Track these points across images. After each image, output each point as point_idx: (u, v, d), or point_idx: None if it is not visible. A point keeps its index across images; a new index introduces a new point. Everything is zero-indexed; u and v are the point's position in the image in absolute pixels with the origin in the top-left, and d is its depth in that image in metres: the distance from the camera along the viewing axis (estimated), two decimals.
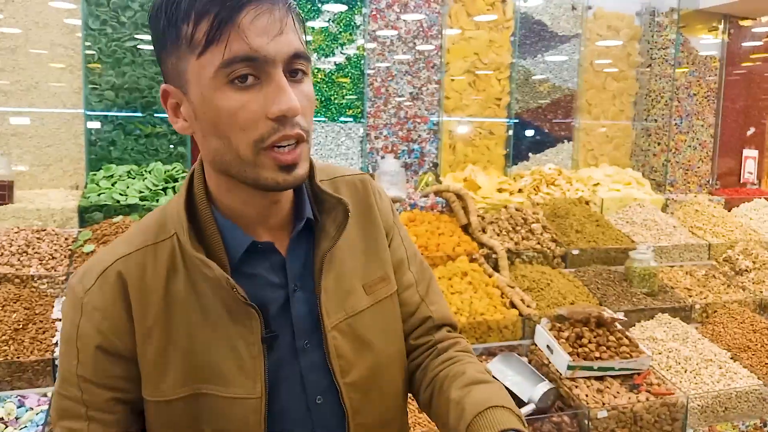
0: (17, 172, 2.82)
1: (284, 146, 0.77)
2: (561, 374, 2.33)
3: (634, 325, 2.75)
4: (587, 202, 3.44)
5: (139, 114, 3.03)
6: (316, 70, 3.36)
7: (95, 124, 2.98)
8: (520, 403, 2.17)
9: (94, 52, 2.95)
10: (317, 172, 0.95)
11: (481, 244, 2.96)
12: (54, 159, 2.95)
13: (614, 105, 4.00)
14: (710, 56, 4.12)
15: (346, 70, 3.40)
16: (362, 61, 3.42)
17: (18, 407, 1.90)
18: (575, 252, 3.07)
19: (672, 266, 3.23)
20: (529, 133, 3.83)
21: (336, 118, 3.41)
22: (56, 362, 1.98)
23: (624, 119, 4.02)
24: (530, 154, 3.85)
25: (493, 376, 2.25)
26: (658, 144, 3.98)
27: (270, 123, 0.75)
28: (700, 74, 4.05)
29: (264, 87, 0.75)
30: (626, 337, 2.46)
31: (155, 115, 3.05)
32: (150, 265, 0.86)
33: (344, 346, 0.91)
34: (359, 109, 3.44)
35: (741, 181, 4.17)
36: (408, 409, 1.20)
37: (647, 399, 2.25)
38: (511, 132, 3.73)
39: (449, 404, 0.90)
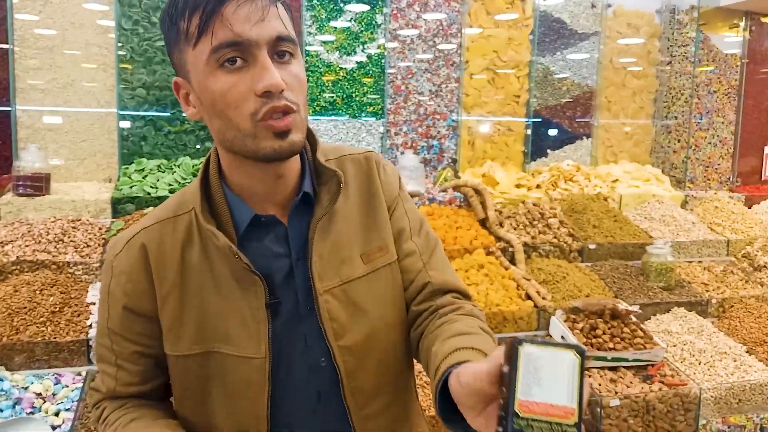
0: (53, 166, 2.96)
1: (277, 117, 0.85)
2: None
3: (650, 319, 2.78)
4: (605, 198, 3.47)
5: (168, 113, 3.16)
6: (338, 68, 3.45)
7: (126, 124, 3.12)
8: None
9: (126, 52, 3.08)
10: (325, 152, 1.03)
11: (498, 238, 3.01)
12: (88, 153, 3.09)
13: (634, 102, 4.02)
14: (731, 54, 4.11)
15: (368, 68, 3.48)
16: (383, 60, 3.50)
17: (55, 384, 2.01)
18: (592, 246, 3.10)
19: (690, 262, 3.24)
20: (549, 130, 3.86)
21: (357, 115, 3.49)
22: (90, 343, 2.09)
23: (644, 116, 4.04)
24: (549, 151, 3.89)
25: None
26: (678, 141, 3.99)
27: (259, 99, 0.84)
28: (720, 72, 4.05)
29: (251, 68, 0.84)
30: (640, 329, 2.49)
31: (183, 113, 3.18)
32: (169, 236, 0.97)
33: (338, 310, 0.98)
34: (380, 106, 3.52)
35: (762, 179, 4.15)
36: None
37: (660, 389, 2.29)
38: (529, 129, 3.77)
39: (429, 357, 0.93)
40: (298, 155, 0.99)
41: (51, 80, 3.01)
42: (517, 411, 0.63)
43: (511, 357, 0.66)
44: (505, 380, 0.65)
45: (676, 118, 3.99)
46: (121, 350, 0.99)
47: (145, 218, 1.01)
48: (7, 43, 2.93)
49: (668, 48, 4.03)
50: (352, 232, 1.02)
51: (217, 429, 0.98)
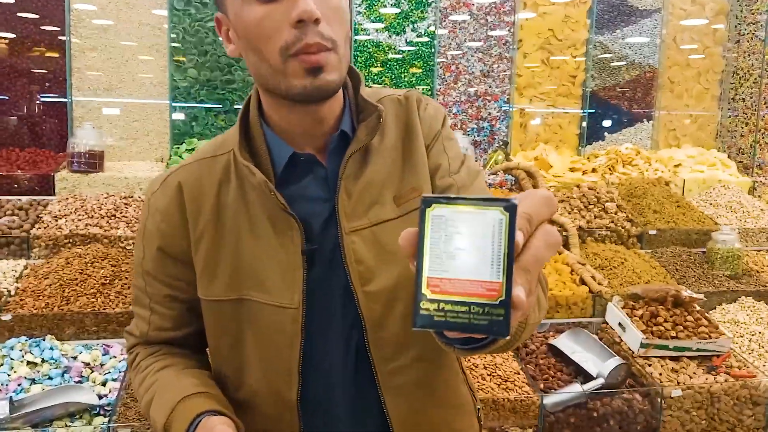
0: (107, 145, 3.01)
1: (310, 53, 0.80)
2: (633, 352, 2.26)
3: (715, 308, 2.62)
4: (667, 183, 3.30)
5: (218, 98, 3.17)
6: (387, 48, 3.39)
7: (180, 116, 3.16)
8: (589, 378, 2.12)
9: (178, 32, 3.11)
10: (365, 94, 0.96)
11: (551, 221, 2.89)
12: (141, 133, 3.13)
13: (699, 83, 3.81)
14: None
15: (418, 48, 3.40)
16: (434, 40, 3.41)
17: (103, 354, 2.03)
18: (652, 232, 2.95)
19: (759, 250, 3.05)
20: (606, 113, 3.70)
21: None
22: None
23: (709, 98, 3.82)
24: (606, 134, 3.73)
25: (562, 353, 2.14)
26: (746, 124, 3.76)
27: (293, 31, 0.79)
28: None
29: None
30: (705, 317, 2.35)
31: (233, 104, 3.18)
32: (206, 175, 0.94)
33: (365, 252, 0.91)
34: (428, 87, 3.44)
35: None
36: None
37: (726, 380, 2.14)
38: (585, 111, 3.62)
39: None
40: (340, 96, 0.93)
41: (106, 68, 3.06)
42: (425, 292, 0.50)
43: (419, 224, 0.51)
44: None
45: (743, 100, 3.76)
46: (154, 292, 0.97)
47: (186, 158, 0.99)
48: (64, 34, 3.00)
49: (736, 26, 3.79)
50: (387, 172, 0.95)
51: (247, 386, 0.94)
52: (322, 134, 0.93)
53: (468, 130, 3.49)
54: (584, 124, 3.63)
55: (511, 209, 0.50)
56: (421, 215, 0.51)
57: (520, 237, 0.50)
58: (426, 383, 0.99)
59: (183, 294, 0.96)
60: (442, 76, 3.42)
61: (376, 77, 3.38)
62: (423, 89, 3.44)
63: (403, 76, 3.41)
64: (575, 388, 2.08)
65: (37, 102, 3.03)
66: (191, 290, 0.95)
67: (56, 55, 3.02)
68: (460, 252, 0.50)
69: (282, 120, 0.91)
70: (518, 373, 2.13)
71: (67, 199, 2.62)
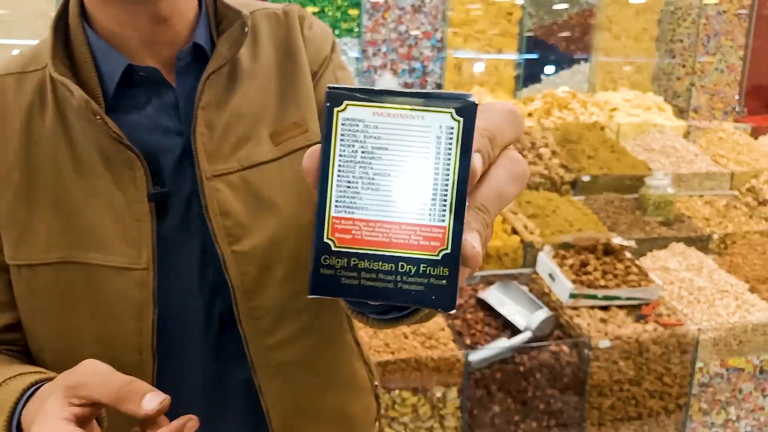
0: None
1: None
2: (562, 303, 2.19)
3: (646, 255, 2.58)
4: (602, 128, 3.22)
5: None
6: None
7: None
8: (518, 332, 2.04)
9: None
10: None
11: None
12: None
13: (637, 23, 3.69)
14: None
15: None
16: None
17: None
18: (586, 179, 2.87)
19: (691, 195, 3.02)
20: (543, 53, 3.56)
21: None
22: None
23: (647, 39, 3.72)
24: (542, 76, 3.59)
25: (490, 306, 2.06)
26: (683, 66, 3.69)
27: None
28: None
29: None
30: (635, 265, 2.29)
31: None
32: (11, 95, 0.71)
33: (234, 203, 0.72)
34: (356, 23, 3.20)
35: None
36: None
37: (655, 329, 2.10)
38: (521, 56, 3.47)
39: None
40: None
41: None
42: (328, 241, 0.33)
43: (324, 132, 0.33)
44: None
45: (681, 41, 3.68)
46: None
47: None
48: None
49: None
50: (262, 102, 0.76)
51: None
52: (169, 44, 0.72)
53: (399, 71, 3.28)
54: (521, 66, 3.48)
55: (466, 112, 0.32)
56: (326, 118, 0.33)
57: (478, 161, 0.34)
58: (312, 361, 0.82)
59: None
60: (370, 11, 3.17)
61: None
62: (348, 25, 3.19)
63: (326, 9, 3.14)
64: (501, 343, 1.99)
65: None
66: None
67: None
68: (385, 179, 0.33)
69: (111, 21, 0.69)
70: (443, 330, 2.02)
71: None
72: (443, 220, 0.33)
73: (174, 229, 0.73)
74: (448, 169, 0.32)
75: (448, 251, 0.33)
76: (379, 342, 1.90)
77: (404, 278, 0.33)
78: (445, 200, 0.33)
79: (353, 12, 3.17)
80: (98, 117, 0.66)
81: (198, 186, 0.71)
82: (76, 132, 0.69)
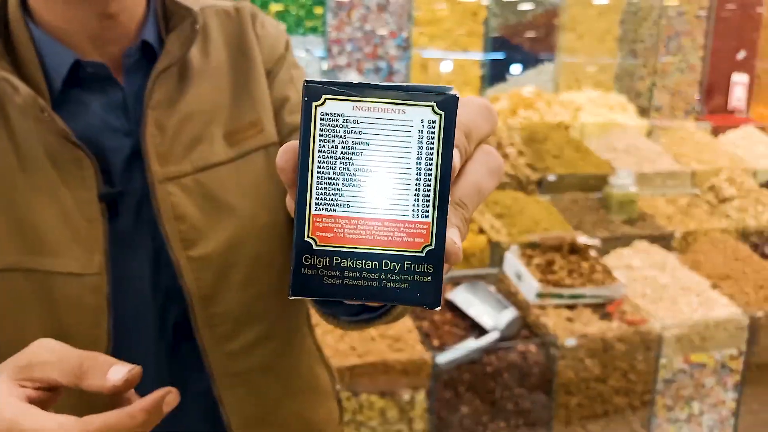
0: None
1: None
2: (529, 302, 2.19)
3: (610, 253, 2.60)
4: (567, 127, 3.25)
5: None
6: None
7: None
8: (485, 332, 2.03)
9: None
10: None
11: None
12: None
13: (600, 24, 3.73)
14: None
15: None
16: None
17: None
18: (552, 178, 2.89)
19: (653, 194, 3.07)
20: (508, 53, 3.57)
21: (292, 30, 3.13)
22: None
23: (610, 39, 3.77)
24: (508, 76, 3.61)
25: (458, 307, 2.05)
26: (645, 66, 3.74)
27: None
28: None
29: None
30: (600, 263, 2.31)
31: None
32: None
33: (188, 207, 0.70)
34: (320, 21, 3.16)
35: (728, 108, 3.96)
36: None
37: (619, 327, 2.12)
38: (488, 56, 3.47)
39: None
40: None
41: None
42: (309, 240, 0.32)
43: (302, 128, 0.32)
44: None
45: (643, 41, 3.73)
46: None
47: None
48: None
49: None
50: (215, 102, 0.73)
51: None
52: (116, 41, 0.69)
53: (364, 70, 3.25)
54: (487, 65, 3.49)
55: (447, 105, 0.31)
56: (304, 113, 0.32)
57: (456, 156, 0.33)
58: (274, 367, 0.80)
59: None
60: (335, 9, 3.14)
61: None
62: (313, 23, 3.15)
63: (289, 8, 3.10)
64: (469, 344, 1.98)
65: None
66: None
67: None
68: (366, 175, 0.32)
69: (55, 16, 0.65)
70: (411, 332, 2.00)
71: None
72: (427, 216, 0.32)
73: (125, 233, 0.70)
74: (430, 164, 0.32)
75: (432, 247, 0.32)
76: (345, 346, 1.87)
77: (388, 276, 0.32)
78: (428, 195, 0.32)
79: (318, 10, 3.14)
80: (46, 113, 0.63)
81: (149, 189, 0.69)
82: (20, 131, 0.66)
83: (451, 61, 3.43)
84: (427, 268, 0.32)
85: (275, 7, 3.08)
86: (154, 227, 0.70)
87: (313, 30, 3.16)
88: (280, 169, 0.33)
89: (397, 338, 1.95)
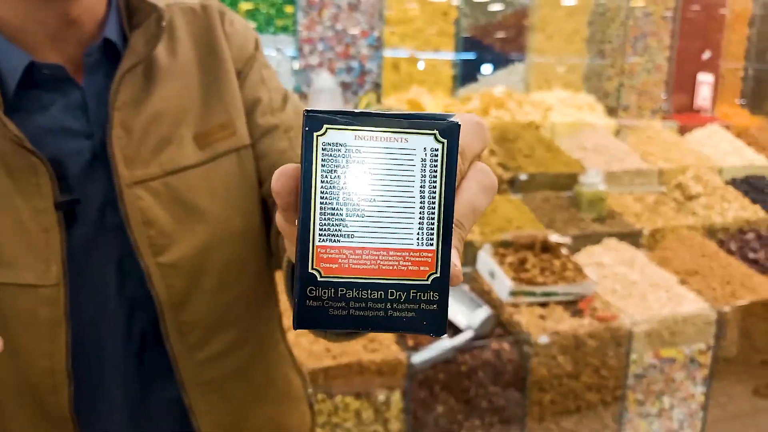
0: None
1: None
2: (502, 301, 2.20)
3: (581, 250, 2.64)
4: (537, 127, 3.28)
5: None
6: None
7: None
8: (459, 331, 2.04)
9: None
10: None
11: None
12: None
13: (568, 24, 3.78)
14: None
15: None
16: None
17: None
18: (523, 177, 2.91)
19: (622, 192, 3.11)
20: (479, 53, 3.59)
21: (263, 29, 3.10)
22: None
23: (579, 40, 3.82)
24: (479, 76, 3.63)
25: None
26: (613, 67, 3.80)
27: None
28: None
29: None
30: (571, 261, 2.34)
31: None
32: None
33: (157, 211, 0.68)
34: (291, 20, 3.13)
35: (694, 107, 4.04)
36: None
37: (590, 324, 2.14)
38: (459, 56, 3.48)
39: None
40: None
41: None
42: (313, 271, 0.32)
43: (303, 158, 0.32)
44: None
45: (610, 42, 3.79)
46: None
47: None
48: None
49: None
50: (183, 102, 0.71)
51: None
52: (77, 41, 0.66)
53: (337, 70, 3.23)
54: (458, 65, 3.50)
55: (449, 133, 0.31)
56: (305, 143, 0.31)
57: None
58: (246, 373, 0.78)
59: None
60: (306, 9, 3.11)
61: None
62: (284, 23, 3.12)
63: (259, 6, 3.06)
64: (443, 343, 1.98)
65: None
66: None
67: None
68: (370, 205, 0.32)
69: (11, 13, 0.63)
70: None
71: None
72: (431, 244, 0.32)
73: (86, 241, 0.67)
74: (434, 192, 0.32)
75: (438, 275, 0.32)
76: (320, 347, 1.85)
77: (394, 305, 0.32)
78: (433, 223, 0.32)
79: (288, 9, 3.11)
80: None
81: (116, 194, 0.66)
82: None
83: (422, 62, 3.43)
84: (433, 296, 0.32)
85: (245, 6, 3.04)
86: (120, 233, 0.67)
87: (284, 29, 3.13)
88: (276, 193, 0.33)
89: (372, 339, 1.94)
